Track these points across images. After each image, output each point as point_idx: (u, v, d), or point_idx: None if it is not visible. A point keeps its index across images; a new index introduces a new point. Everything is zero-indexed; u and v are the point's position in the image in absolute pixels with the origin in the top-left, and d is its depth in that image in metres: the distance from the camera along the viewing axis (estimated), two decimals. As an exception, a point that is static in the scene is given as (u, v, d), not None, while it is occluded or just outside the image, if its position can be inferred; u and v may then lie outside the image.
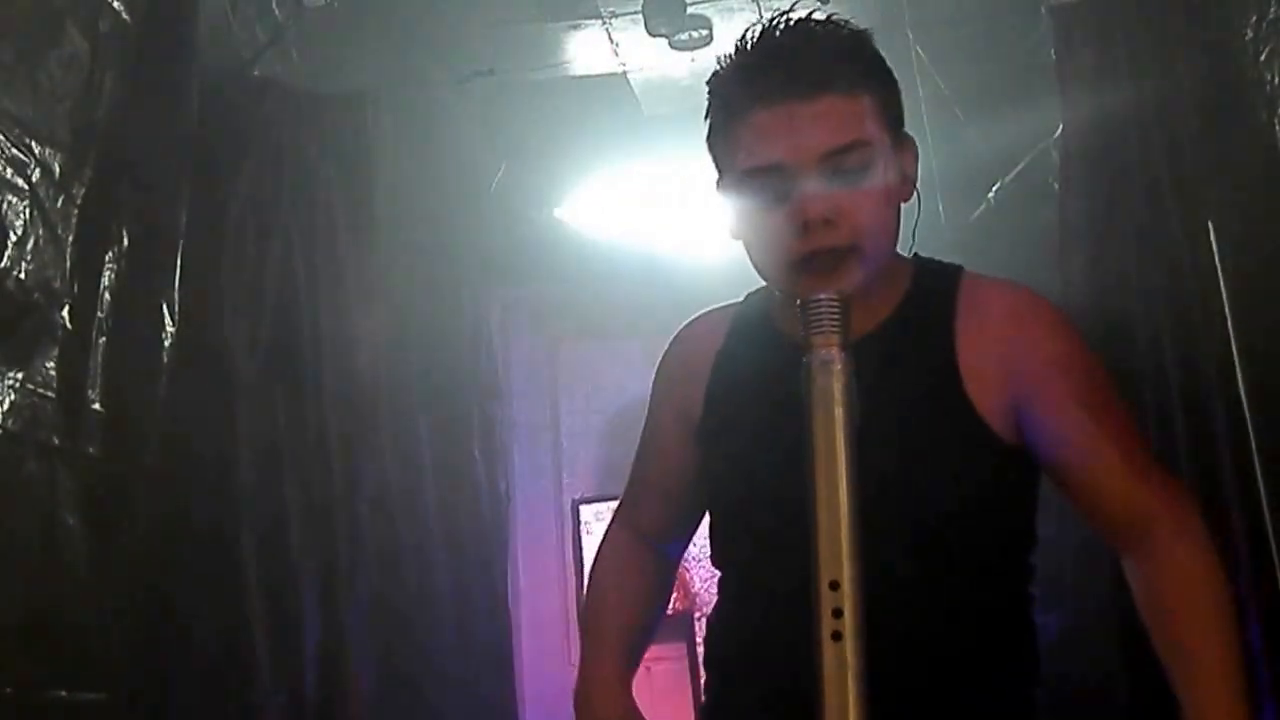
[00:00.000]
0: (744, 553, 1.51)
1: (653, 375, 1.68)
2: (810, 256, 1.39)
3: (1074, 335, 1.49)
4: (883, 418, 1.22)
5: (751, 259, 1.50)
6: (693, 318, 1.67)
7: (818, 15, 1.47)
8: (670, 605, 1.77)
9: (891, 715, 1.12)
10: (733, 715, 1.53)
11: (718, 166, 1.51)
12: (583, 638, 1.69)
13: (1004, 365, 1.42)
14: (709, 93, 1.51)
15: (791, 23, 1.45)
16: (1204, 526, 1.43)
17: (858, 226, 1.40)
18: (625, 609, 1.66)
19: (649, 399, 1.68)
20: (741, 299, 1.63)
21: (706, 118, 1.52)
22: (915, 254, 1.57)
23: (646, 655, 1.71)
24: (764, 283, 1.55)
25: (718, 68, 1.50)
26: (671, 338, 1.68)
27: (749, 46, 1.47)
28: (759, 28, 1.47)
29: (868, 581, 1.06)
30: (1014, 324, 1.45)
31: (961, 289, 1.49)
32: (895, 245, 1.49)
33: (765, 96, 1.41)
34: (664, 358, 1.67)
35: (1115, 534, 1.46)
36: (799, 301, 1.15)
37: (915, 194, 1.52)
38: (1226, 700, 1.35)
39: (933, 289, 1.49)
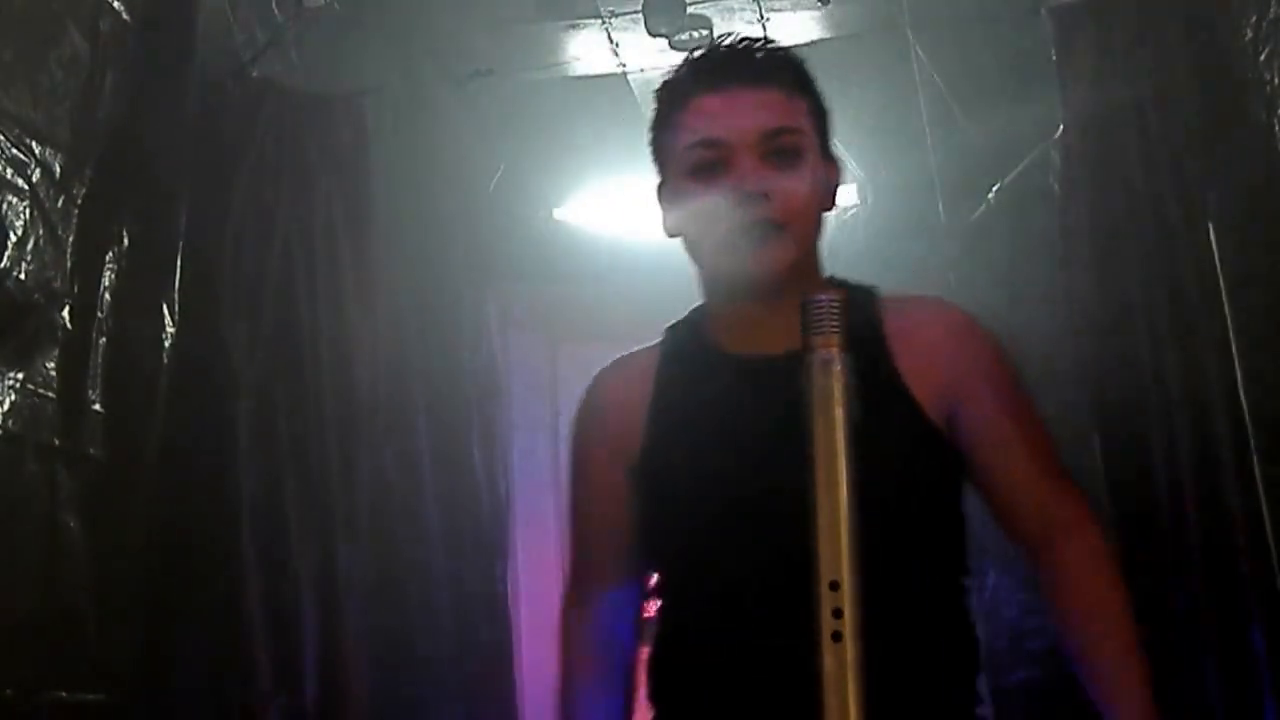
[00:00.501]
0: (715, 565, 1.50)
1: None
2: (746, 228, 1.47)
3: (1002, 351, 1.59)
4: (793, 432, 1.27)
5: (687, 246, 1.57)
6: (609, 364, 1.70)
7: (777, 54, 1.58)
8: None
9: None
10: None
11: (661, 166, 1.60)
12: None
13: (942, 373, 1.49)
14: (655, 102, 1.60)
15: (740, 38, 1.58)
16: (1101, 532, 1.55)
17: (789, 206, 1.48)
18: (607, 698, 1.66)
19: (573, 450, 1.67)
20: (660, 338, 1.66)
21: (650, 129, 1.61)
22: (830, 276, 1.62)
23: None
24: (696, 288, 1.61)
25: (662, 81, 1.60)
26: (587, 388, 1.70)
27: (696, 55, 1.59)
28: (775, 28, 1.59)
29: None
30: (950, 337, 1.54)
31: (883, 303, 1.56)
32: (819, 242, 1.57)
33: (711, 81, 1.52)
34: (585, 405, 1.68)
35: (1024, 535, 1.55)
36: (800, 302, 1.14)
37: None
38: (1130, 681, 1.47)
39: (857, 300, 1.54)
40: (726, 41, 1.57)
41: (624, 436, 1.58)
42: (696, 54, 1.59)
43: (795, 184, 1.49)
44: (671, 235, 1.59)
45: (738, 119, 1.49)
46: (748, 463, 1.46)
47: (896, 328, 1.52)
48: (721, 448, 1.48)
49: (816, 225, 1.55)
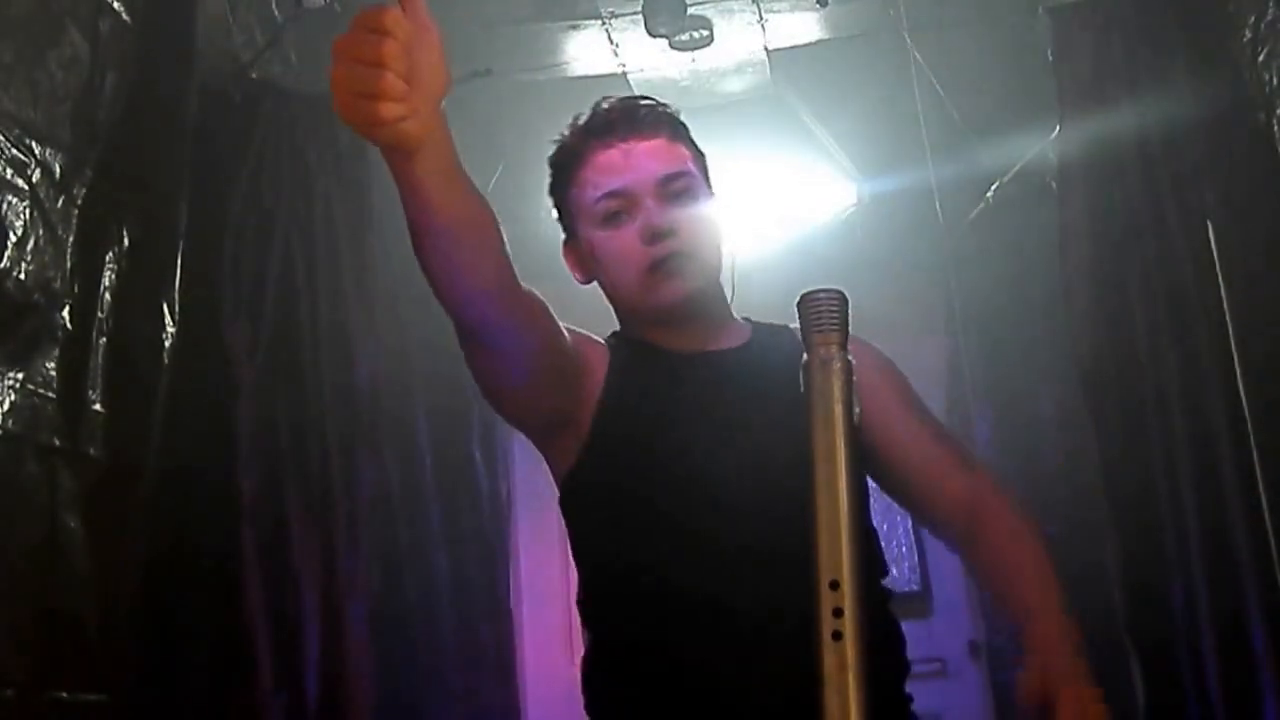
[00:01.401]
0: (659, 562, 1.58)
1: None
2: (659, 262, 1.64)
3: (898, 370, 1.78)
4: (763, 418, 1.51)
5: (605, 288, 1.74)
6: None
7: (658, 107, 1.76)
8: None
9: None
10: None
11: (567, 221, 1.76)
12: None
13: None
14: (550, 167, 1.76)
15: (620, 98, 1.75)
16: (1012, 501, 1.70)
17: (694, 237, 1.66)
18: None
19: None
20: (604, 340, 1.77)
21: (551, 191, 1.77)
22: (745, 317, 1.80)
23: None
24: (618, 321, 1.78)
25: (556, 146, 1.76)
26: None
27: (586, 116, 1.75)
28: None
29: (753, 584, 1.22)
30: (858, 360, 1.58)
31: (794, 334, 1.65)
32: (720, 273, 1.72)
33: (604, 136, 1.69)
34: None
35: (955, 518, 1.69)
36: (797, 299, 1.14)
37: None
38: (1050, 596, 1.58)
39: (775, 335, 1.75)
40: (605, 105, 1.73)
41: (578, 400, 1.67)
42: (582, 119, 1.74)
43: (696, 218, 1.67)
44: (585, 283, 1.76)
45: (636, 168, 1.66)
46: (726, 442, 1.61)
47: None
48: (690, 433, 1.62)
49: (718, 255, 1.71)
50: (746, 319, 1.80)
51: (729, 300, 1.79)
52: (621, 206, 1.66)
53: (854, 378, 1.46)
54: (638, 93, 4.29)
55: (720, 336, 1.73)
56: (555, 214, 1.80)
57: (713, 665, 1.51)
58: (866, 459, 1.63)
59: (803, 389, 1.09)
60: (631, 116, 1.71)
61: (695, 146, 1.76)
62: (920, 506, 1.74)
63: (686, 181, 1.68)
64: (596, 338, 1.76)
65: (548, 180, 1.78)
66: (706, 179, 1.75)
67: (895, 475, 1.71)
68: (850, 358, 1.11)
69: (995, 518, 1.67)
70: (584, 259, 1.74)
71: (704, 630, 1.52)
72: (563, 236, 1.78)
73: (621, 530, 1.62)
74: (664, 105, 1.76)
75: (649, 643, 1.58)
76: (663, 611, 1.56)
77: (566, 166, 1.74)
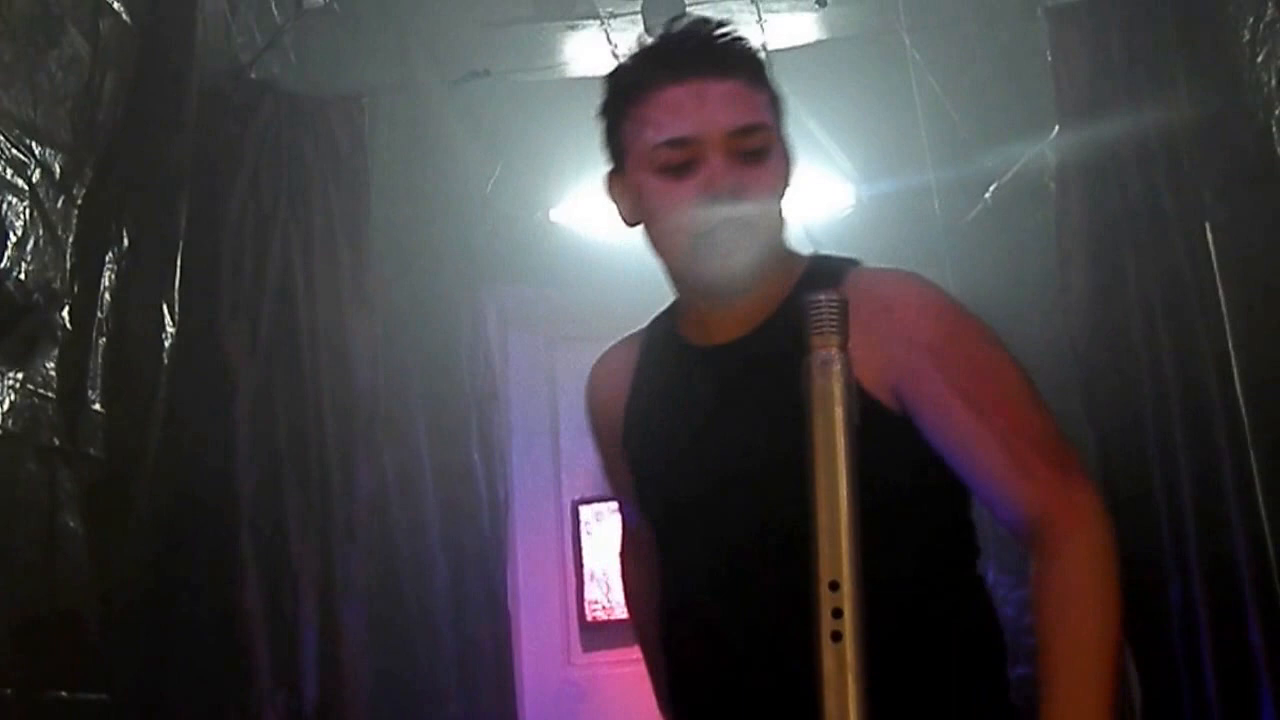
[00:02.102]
0: (668, 547, 1.57)
1: None
2: (713, 230, 1.45)
3: (952, 320, 1.45)
4: (773, 412, 1.28)
5: (652, 239, 1.54)
6: (605, 350, 1.75)
7: (740, 43, 1.52)
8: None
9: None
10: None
11: (616, 153, 1.55)
12: (641, 646, 1.76)
13: (877, 352, 1.38)
14: (607, 87, 1.55)
15: (693, 20, 1.52)
16: (1101, 529, 1.37)
17: (759, 205, 1.46)
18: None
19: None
20: (646, 325, 1.70)
21: (603, 115, 1.55)
22: (815, 252, 1.60)
23: (638, 657, 1.77)
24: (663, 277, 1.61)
25: (617, 66, 1.55)
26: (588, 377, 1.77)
27: (654, 39, 1.53)
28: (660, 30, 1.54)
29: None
30: (884, 311, 1.42)
31: (849, 277, 1.50)
32: (779, 238, 1.53)
33: (676, 71, 1.46)
34: (586, 393, 1.76)
35: (1014, 531, 1.40)
36: (801, 302, 1.14)
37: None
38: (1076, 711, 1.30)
39: (822, 279, 1.49)
40: (681, 25, 1.51)
41: (612, 422, 1.66)
42: (653, 40, 1.53)
43: (765, 182, 1.47)
44: (631, 225, 1.57)
45: (706, 116, 1.44)
46: (698, 444, 1.49)
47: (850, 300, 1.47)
48: (678, 432, 1.52)
49: (782, 221, 1.52)
50: (820, 258, 1.58)
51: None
52: (683, 158, 1.45)
53: (874, 324, 1.35)
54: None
55: (760, 308, 1.51)
56: (604, 138, 1.56)
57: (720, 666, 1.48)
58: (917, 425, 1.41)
59: (802, 391, 1.09)
60: (708, 51, 1.47)
61: (775, 90, 1.53)
62: (978, 497, 1.45)
63: (761, 138, 1.47)
64: (627, 339, 1.71)
65: (601, 99, 1.55)
66: (781, 128, 1.53)
67: (940, 452, 1.42)
68: (848, 359, 1.10)
69: (1052, 565, 1.35)
70: (632, 202, 1.54)
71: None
72: (609, 166, 1.58)
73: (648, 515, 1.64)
74: (743, 38, 1.52)
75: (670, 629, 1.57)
76: (677, 609, 1.55)
77: (625, 94, 1.51)
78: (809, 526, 1.15)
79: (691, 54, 1.47)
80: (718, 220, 1.44)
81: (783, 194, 1.51)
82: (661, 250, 1.54)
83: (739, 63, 1.48)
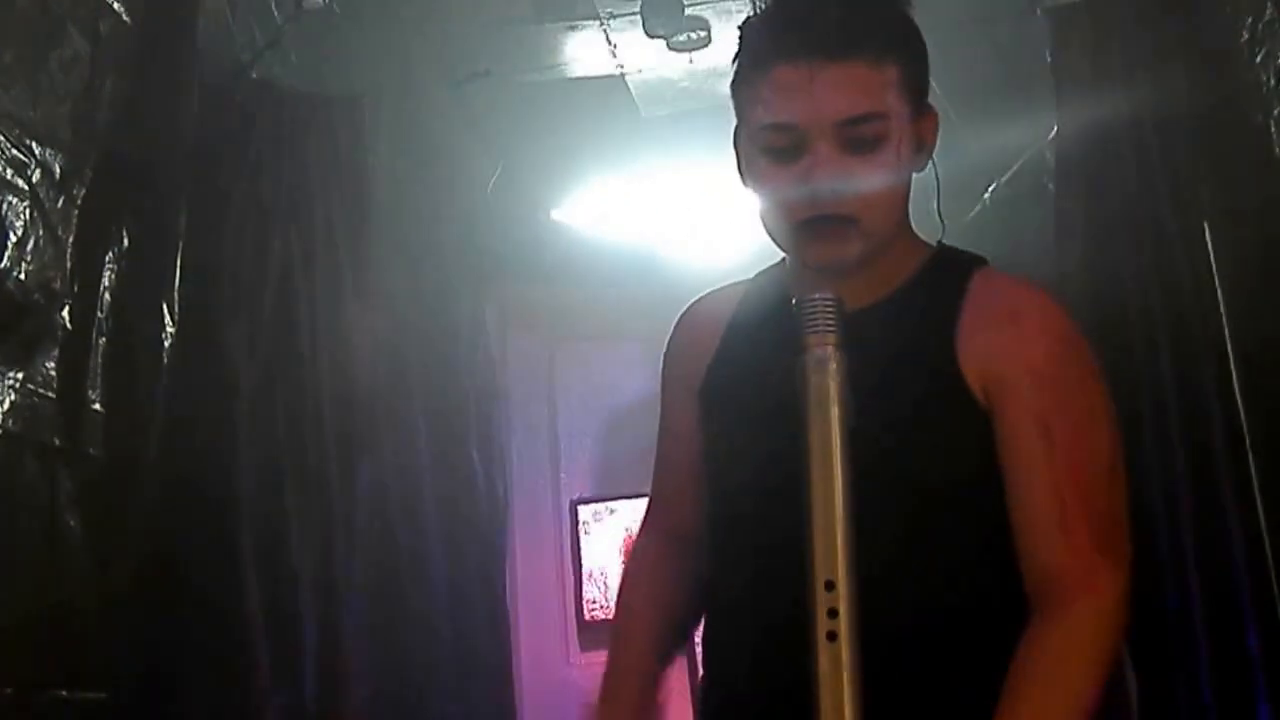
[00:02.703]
0: (725, 525, 1.50)
1: (657, 370, 1.67)
2: (812, 220, 1.39)
3: (1069, 351, 1.41)
4: (880, 385, 1.23)
5: (762, 215, 1.49)
6: (700, 296, 1.66)
7: (866, 17, 1.44)
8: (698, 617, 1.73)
9: (888, 694, 1.12)
10: (725, 706, 1.50)
11: (739, 117, 1.50)
12: (611, 642, 1.65)
13: (988, 354, 1.39)
14: (739, 36, 1.49)
15: None
16: (1116, 603, 1.33)
17: (863, 198, 1.39)
18: (652, 610, 1.61)
19: (661, 386, 1.66)
20: (751, 277, 1.62)
21: (734, 60, 1.49)
22: (940, 243, 1.56)
23: None
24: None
25: (752, 11, 1.50)
26: (679, 316, 1.67)
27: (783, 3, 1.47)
28: None
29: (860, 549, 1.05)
30: (1009, 317, 1.41)
31: (975, 276, 1.48)
32: (902, 218, 1.49)
33: (790, 51, 1.39)
34: (671, 337, 1.66)
35: (1027, 582, 1.35)
36: (794, 301, 1.15)
37: (932, 165, 1.54)
38: None
39: (946, 272, 1.48)
40: None
41: (694, 373, 1.57)
42: (783, 2, 1.46)
43: (873, 174, 1.39)
44: (746, 186, 1.51)
45: (814, 104, 1.37)
46: (784, 416, 1.40)
47: (971, 307, 1.43)
48: (765, 397, 1.40)
49: (898, 203, 1.45)
50: (946, 249, 1.53)
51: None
52: (787, 144, 1.39)
53: (989, 330, 1.36)
54: (636, 94, 4.25)
55: (880, 286, 1.46)
56: (731, 90, 1.50)
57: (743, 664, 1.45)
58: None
59: (798, 390, 1.10)
60: (829, 27, 1.38)
61: (910, 59, 1.44)
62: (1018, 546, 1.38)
63: (876, 127, 1.38)
64: (728, 288, 1.61)
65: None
66: (914, 101, 1.44)
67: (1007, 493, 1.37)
68: (844, 359, 1.10)
69: (1058, 623, 1.30)
70: (742, 167, 1.50)
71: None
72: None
73: (709, 476, 1.55)
74: (882, 5, 1.44)
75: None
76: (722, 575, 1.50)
77: (746, 59, 1.46)
78: (914, 506, 1.14)
79: (810, 30, 1.39)
80: (815, 212, 1.39)
81: (907, 171, 1.45)
82: (772, 228, 1.48)
83: (863, 41, 1.39)
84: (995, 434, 1.37)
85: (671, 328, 1.67)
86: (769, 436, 1.37)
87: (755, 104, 1.43)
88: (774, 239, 1.49)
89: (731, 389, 1.51)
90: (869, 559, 1.12)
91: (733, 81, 1.49)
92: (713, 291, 1.65)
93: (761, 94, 1.42)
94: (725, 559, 1.50)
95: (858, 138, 1.38)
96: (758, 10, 1.53)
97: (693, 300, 1.66)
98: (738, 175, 1.51)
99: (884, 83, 1.40)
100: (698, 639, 1.61)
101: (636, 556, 1.70)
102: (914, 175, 1.51)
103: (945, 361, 1.39)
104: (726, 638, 1.50)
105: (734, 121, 1.51)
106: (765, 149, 1.42)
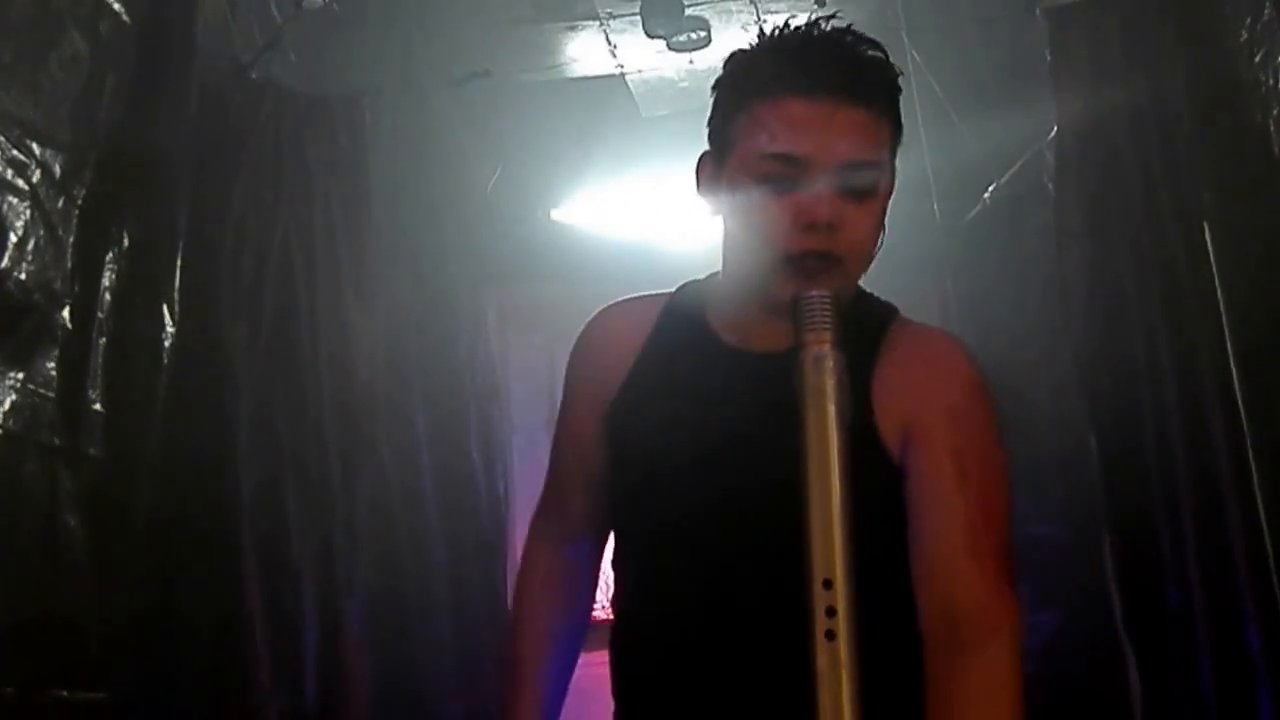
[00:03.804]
0: (648, 551, 1.50)
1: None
2: (803, 255, 1.39)
3: (979, 397, 1.45)
4: (791, 434, 1.20)
5: (732, 240, 1.48)
6: (614, 303, 1.66)
7: (880, 73, 1.46)
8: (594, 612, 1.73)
9: None
10: None
11: (723, 141, 1.48)
12: (506, 668, 1.67)
13: (904, 398, 1.41)
14: (733, 66, 1.49)
15: (839, 29, 1.46)
16: (1021, 637, 1.36)
17: (853, 240, 1.41)
18: (547, 643, 1.64)
19: (564, 384, 1.66)
20: (671, 291, 1.61)
21: (720, 96, 1.49)
22: (859, 289, 1.55)
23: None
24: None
25: (746, 47, 1.49)
26: (589, 320, 1.66)
27: (791, 33, 1.47)
28: (801, 22, 1.47)
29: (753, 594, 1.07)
30: (923, 364, 1.45)
31: (891, 330, 1.50)
32: (861, 275, 1.50)
33: (810, 85, 1.40)
34: (580, 341, 1.66)
35: (926, 620, 1.37)
36: (791, 298, 1.14)
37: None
38: None
39: (867, 323, 1.48)
40: (823, 40, 1.44)
41: (603, 384, 1.56)
42: (792, 36, 1.46)
43: (866, 221, 1.41)
44: (714, 213, 1.51)
45: (827, 141, 1.38)
46: (719, 450, 1.43)
47: (886, 359, 1.45)
48: (689, 437, 1.44)
49: (872, 254, 1.46)
50: (864, 295, 1.54)
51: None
52: (790, 175, 1.39)
53: (904, 384, 1.38)
54: (636, 94, 4.25)
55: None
56: (713, 118, 1.49)
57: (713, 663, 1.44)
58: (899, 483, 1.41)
59: (795, 387, 1.09)
60: (849, 71, 1.41)
61: (898, 118, 1.46)
62: (912, 566, 1.40)
63: (872, 176, 1.41)
64: (643, 300, 1.61)
65: (723, 76, 1.49)
66: (893, 163, 1.46)
67: (909, 501, 1.41)
68: (841, 357, 1.10)
69: (980, 656, 1.32)
70: (721, 194, 1.48)
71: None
72: (709, 146, 1.51)
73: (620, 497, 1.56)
74: (889, 64, 1.46)
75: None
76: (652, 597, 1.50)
77: (750, 87, 1.44)
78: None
79: (831, 69, 1.41)
80: (810, 247, 1.39)
81: (875, 238, 1.45)
82: (740, 256, 1.47)
83: (876, 91, 1.42)
84: (906, 473, 1.39)
85: (588, 324, 1.66)
86: (692, 463, 1.42)
87: (759, 132, 1.41)
88: (743, 273, 1.48)
89: (647, 414, 1.51)
90: (789, 608, 1.10)
91: (719, 112, 1.49)
92: (628, 300, 1.65)
93: (769, 123, 1.41)
94: (646, 584, 1.50)
95: (855, 184, 1.40)
96: (761, 31, 1.51)
97: (608, 304, 1.66)
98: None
99: (883, 138, 1.43)
100: None
101: (530, 566, 1.70)
102: (900, 185, 1.51)
103: (861, 417, 1.34)
104: (644, 663, 1.50)
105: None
106: (763, 178, 1.41)
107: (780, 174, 1.40)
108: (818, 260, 1.38)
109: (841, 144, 1.38)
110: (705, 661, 1.42)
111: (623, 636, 1.55)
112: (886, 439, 1.40)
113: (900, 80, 1.47)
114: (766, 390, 1.24)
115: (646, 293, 1.64)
